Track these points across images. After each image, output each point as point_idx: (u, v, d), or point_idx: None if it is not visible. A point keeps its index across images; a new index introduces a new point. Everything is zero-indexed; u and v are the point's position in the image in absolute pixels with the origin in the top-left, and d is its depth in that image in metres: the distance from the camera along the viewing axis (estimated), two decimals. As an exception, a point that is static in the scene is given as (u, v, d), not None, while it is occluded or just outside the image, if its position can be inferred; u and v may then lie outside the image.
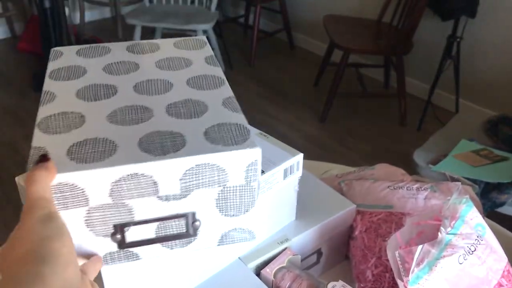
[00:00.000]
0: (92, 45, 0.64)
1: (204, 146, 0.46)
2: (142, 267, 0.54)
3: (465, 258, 0.59)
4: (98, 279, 0.51)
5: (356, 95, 3.00)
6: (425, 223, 0.67)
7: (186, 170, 0.46)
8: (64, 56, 0.61)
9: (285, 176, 0.65)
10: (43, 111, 0.51)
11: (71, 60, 0.60)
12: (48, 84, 0.55)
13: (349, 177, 0.88)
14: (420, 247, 0.57)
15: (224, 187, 0.48)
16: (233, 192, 0.49)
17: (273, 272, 0.65)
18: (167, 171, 0.45)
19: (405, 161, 2.32)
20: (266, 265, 0.66)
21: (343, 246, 0.80)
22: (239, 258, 0.65)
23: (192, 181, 0.46)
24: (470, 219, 0.64)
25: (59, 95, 0.53)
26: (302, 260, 0.72)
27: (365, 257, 0.72)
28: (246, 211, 0.51)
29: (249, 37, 3.76)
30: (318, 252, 0.75)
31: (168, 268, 0.56)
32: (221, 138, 0.47)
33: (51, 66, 0.59)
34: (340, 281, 0.64)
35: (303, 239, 0.70)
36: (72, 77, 0.57)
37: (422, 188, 0.79)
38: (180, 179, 0.46)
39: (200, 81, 0.57)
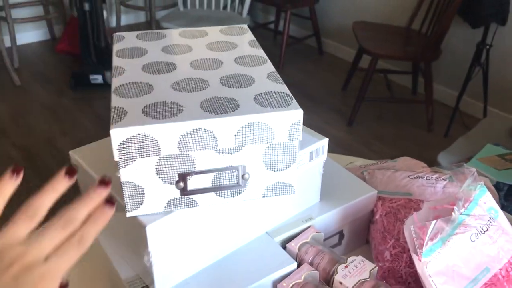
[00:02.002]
0: (148, 31, 0.73)
1: (255, 108, 0.54)
2: (181, 232, 0.60)
3: (477, 237, 0.64)
4: (143, 238, 0.57)
5: (384, 100, 3.02)
6: (442, 207, 0.72)
7: (240, 127, 0.54)
8: (125, 40, 0.70)
9: (310, 158, 0.71)
10: (116, 81, 0.59)
11: (132, 42, 0.69)
12: (116, 61, 0.64)
13: (372, 168, 0.93)
14: (433, 222, 0.61)
15: (270, 144, 0.56)
16: (277, 149, 0.57)
17: (298, 246, 0.70)
18: (225, 127, 0.53)
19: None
20: (291, 240, 0.72)
21: (364, 231, 0.84)
22: (266, 232, 0.71)
23: (245, 137, 0.54)
24: (484, 203, 0.68)
25: (127, 69, 0.62)
26: (324, 240, 0.77)
27: (384, 239, 0.77)
28: (288, 167, 0.58)
29: (278, 43, 3.83)
30: (340, 234, 0.80)
31: (203, 234, 0.63)
32: (269, 102, 0.56)
33: (116, 47, 0.68)
34: (359, 256, 0.69)
35: (326, 219, 0.76)
36: (136, 56, 0.66)
37: (441, 178, 0.83)
38: (235, 135, 0.54)
39: (246, 60, 0.65)
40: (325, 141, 0.72)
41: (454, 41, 2.82)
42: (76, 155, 0.68)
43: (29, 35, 3.78)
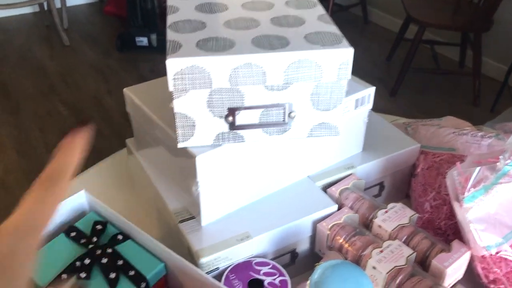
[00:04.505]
0: None
1: (305, 45, 0.55)
2: (227, 166, 0.62)
3: (521, 188, 0.63)
4: (192, 169, 0.60)
5: (429, 72, 2.95)
6: (486, 161, 0.71)
7: (290, 64, 0.55)
8: None
9: (356, 106, 0.72)
10: (171, 18, 0.62)
11: None
12: (171, 1, 0.66)
13: (416, 124, 0.93)
14: (477, 169, 0.62)
15: (318, 83, 0.57)
16: (325, 88, 0.58)
17: (338, 191, 0.72)
18: (274, 63, 0.54)
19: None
20: (332, 186, 0.73)
21: (404, 185, 0.85)
22: (308, 177, 0.73)
23: (293, 74, 0.56)
24: (530, 156, 0.67)
25: (181, 8, 0.64)
26: (364, 190, 0.78)
27: (425, 191, 0.78)
28: (335, 107, 0.59)
29: (323, 11, 3.78)
30: (381, 185, 0.81)
31: (248, 171, 0.65)
32: (319, 40, 0.56)
33: None
34: (400, 203, 0.70)
35: (368, 168, 0.77)
36: None
37: (487, 136, 0.83)
38: (284, 71, 0.55)
39: (297, 3, 0.66)
40: (371, 90, 0.73)
41: (507, 12, 2.71)
42: (130, 92, 0.71)
43: (78, -4, 3.86)
